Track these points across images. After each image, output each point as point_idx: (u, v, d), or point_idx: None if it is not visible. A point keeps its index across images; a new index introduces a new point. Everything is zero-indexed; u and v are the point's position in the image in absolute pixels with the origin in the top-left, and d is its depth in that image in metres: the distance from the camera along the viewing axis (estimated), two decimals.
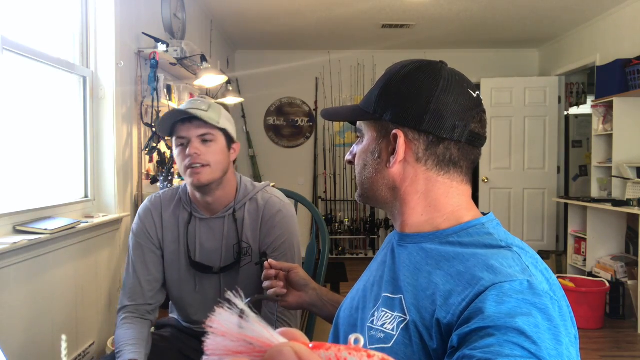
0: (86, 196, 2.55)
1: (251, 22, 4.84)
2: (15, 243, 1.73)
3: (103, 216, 2.47)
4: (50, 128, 2.30)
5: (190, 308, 1.50)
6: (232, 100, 4.58)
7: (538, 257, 0.75)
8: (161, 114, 2.92)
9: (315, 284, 1.12)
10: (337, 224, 5.93)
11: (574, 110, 5.78)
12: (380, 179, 0.83)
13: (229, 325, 0.28)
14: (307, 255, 1.69)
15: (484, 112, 0.82)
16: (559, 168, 5.56)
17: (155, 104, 2.86)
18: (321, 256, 1.63)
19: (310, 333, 1.56)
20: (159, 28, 3.25)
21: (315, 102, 6.05)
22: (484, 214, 0.82)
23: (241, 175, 1.51)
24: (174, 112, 1.35)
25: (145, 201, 1.51)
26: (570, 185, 5.67)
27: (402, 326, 0.73)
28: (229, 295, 0.29)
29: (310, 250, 1.70)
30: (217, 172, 1.37)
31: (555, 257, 4.97)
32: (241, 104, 5.63)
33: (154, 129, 2.86)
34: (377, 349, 0.51)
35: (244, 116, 6.01)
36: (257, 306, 1.41)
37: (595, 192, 4.44)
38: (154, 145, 2.84)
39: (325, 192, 6.02)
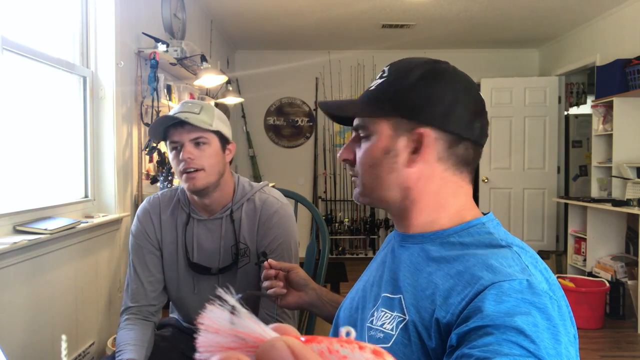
0: (86, 196, 2.55)
1: (251, 22, 4.84)
2: (15, 243, 1.73)
3: (103, 216, 2.47)
4: (51, 128, 2.30)
5: (190, 309, 1.50)
6: (232, 100, 4.58)
7: (538, 256, 0.75)
8: (161, 114, 2.92)
9: (315, 284, 1.12)
10: (337, 224, 5.93)
11: (574, 110, 5.78)
12: (394, 179, 0.80)
13: (221, 321, 0.28)
14: (307, 255, 1.69)
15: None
16: (559, 168, 5.56)
17: (155, 104, 2.86)
18: (321, 256, 1.63)
19: (310, 333, 1.56)
20: (159, 28, 3.25)
21: (315, 102, 6.05)
22: (484, 214, 0.82)
23: (239, 175, 1.51)
24: (165, 118, 1.33)
25: (144, 202, 1.51)
26: (570, 185, 5.67)
27: (401, 326, 0.73)
28: (220, 292, 0.29)
29: (310, 250, 1.70)
30: (212, 176, 1.36)
31: (555, 257, 4.97)
32: (241, 104, 5.63)
33: None
34: None
35: (244, 116, 6.01)
36: (253, 306, 1.41)
37: (595, 192, 4.44)
38: (154, 145, 2.84)
39: (325, 192, 6.02)
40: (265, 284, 1.10)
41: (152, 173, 3.01)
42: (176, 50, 3.04)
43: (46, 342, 2.03)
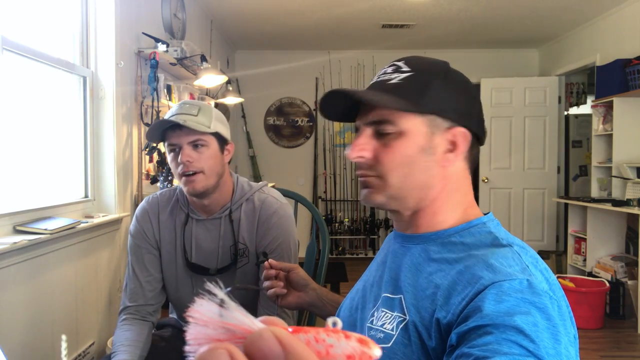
0: (86, 196, 2.55)
1: (251, 22, 4.84)
2: (15, 243, 1.73)
3: (103, 216, 2.47)
4: (51, 128, 2.30)
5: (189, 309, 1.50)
6: (232, 100, 4.58)
7: (538, 256, 0.75)
8: (161, 114, 2.92)
9: (315, 284, 1.12)
10: (337, 224, 5.94)
11: (574, 110, 5.78)
12: (427, 178, 0.79)
13: (210, 314, 0.28)
14: (307, 255, 1.69)
15: None
16: (559, 168, 5.56)
17: (155, 104, 2.86)
18: (321, 256, 1.63)
19: None
20: (159, 28, 3.25)
21: (315, 102, 6.05)
22: (484, 214, 0.83)
23: (238, 175, 1.51)
24: (162, 122, 1.33)
25: (142, 202, 1.51)
26: (570, 185, 5.67)
27: (401, 326, 0.73)
28: (209, 285, 0.29)
29: (310, 250, 1.70)
30: (211, 178, 1.36)
31: (555, 257, 4.97)
32: (241, 104, 5.63)
33: None
34: None
35: (244, 116, 6.01)
36: (253, 307, 1.41)
37: (595, 192, 4.44)
38: (154, 145, 2.84)
39: (325, 192, 6.02)
40: (266, 284, 1.10)
41: (152, 173, 3.01)
42: (176, 50, 3.04)
43: (46, 342, 2.03)
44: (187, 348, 0.28)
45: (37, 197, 2.14)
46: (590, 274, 4.17)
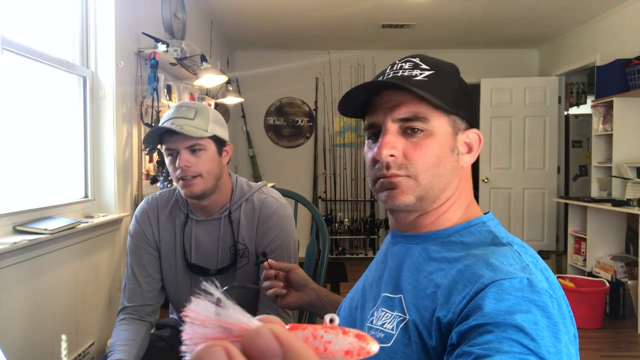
0: (86, 196, 2.55)
1: (251, 22, 4.84)
2: (15, 243, 1.73)
3: (103, 216, 2.47)
4: (51, 128, 2.30)
5: None
6: (232, 100, 4.58)
7: (537, 255, 0.75)
8: (161, 114, 2.92)
9: (314, 284, 1.12)
10: (337, 224, 5.93)
11: (574, 110, 5.78)
12: (451, 177, 0.79)
13: (206, 313, 0.28)
14: (307, 255, 1.69)
15: None
16: (559, 168, 5.56)
17: (155, 104, 2.86)
18: (321, 256, 1.63)
19: None
20: (159, 28, 3.25)
21: (315, 102, 6.05)
22: (484, 214, 0.83)
23: (237, 175, 1.51)
24: (158, 128, 1.33)
25: (142, 203, 1.51)
26: (570, 185, 5.67)
27: (401, 325, 0.73)
28: (205, 285, 0.29)
29: (310, 250, 1.70)
30: (209, 181, 1.36)
31: (555, 257, 4.97)
32: (241, 104, 5.63)
33: None
34: None
35: (244, 116, 6.01)
36: (253, 307, 1.41)
37: (595, 192, 4.44)
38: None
39: (325, 192, 6.02)
40: (265, 284, 1.10)
41: (152, 173, 3.01)
42: (176, 50, 3.04)
43: (46, 342, 2.03)
44: (183, 348, 0.28)
45: (37, 197, 2.14)
46: (590, 274, 4.17)
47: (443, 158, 0.77)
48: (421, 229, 0.81)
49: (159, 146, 2.88)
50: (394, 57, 0.88)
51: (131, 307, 1.43)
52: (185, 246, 1.44)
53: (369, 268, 0.95)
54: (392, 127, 0.77)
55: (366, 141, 0.84)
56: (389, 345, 0.73)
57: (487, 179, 5.59)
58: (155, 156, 2.93)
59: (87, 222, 2.26)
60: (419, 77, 0.76)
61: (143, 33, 2.87)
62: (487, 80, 5.52)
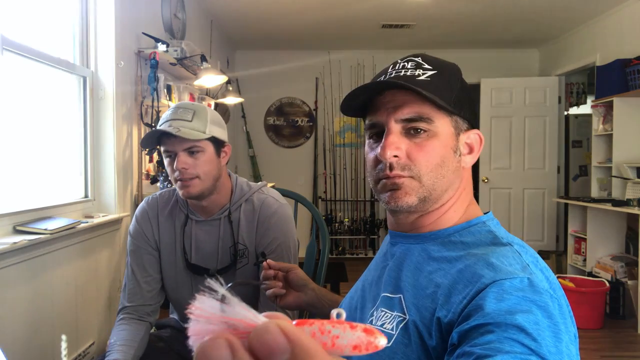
0: (86, 196, 2.55)
1: (251, 22, 4.84)
2: (15, 243, 1.73)
3: (103, 216, 2.47)
4: (50, 128, 2.30)
5: None
6: (232, 100, 4.58)
7: (537, 255, 0.75)
8: (161, 114, 2.92)
9: (314, 284, 1.12)
10: (337, 224, 5.93)
11: (574, 110, 5.78)
12: (453, 178, 0.79)
13: (211, 309, 0.28)
14: (307, 255, 1.69)
15: None
16: (559, 168, 5.56)
17: (155, 104, 2.86)
18: (321, 256, 1.63)
19: None
20: (159, 28, 3.25)
21: (315, 102, 6.05)
22: (484, 213, 0.83)
23: (237, 176, 1.50)
24: (155, 131, 1.33)
25: (142, 203, 1.51)
26: (570, 185, 5.67)
27: (401, 326, 0.73)
28: (209, 282, 0.29)
29: (310, 250, 1.70)
30: (207, 182, 1.36)
31: (555, 257, 4.97)
32: (241, 104, 5.63)
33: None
34: None
35: (244, 116, 6.01)
36: (253, 306, 1.40)
37: (595, 192, 4.44)
38: None
39: (325, 192, 6.02)
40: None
41: (152, 173, 3.01)
42: (176, 50, 3.04)
43: (46, 342, 2.03)
44: (189, 342, 0.28)
45: (37, 197, 2.14)
46: (590, 274, 4.17)
47: (446, 159, 0.77)
48: (421, 229, 0.81)
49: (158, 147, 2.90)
50: (394, 57, 0.87)
51: (131, 307, 1.43)
52: (185, 246, 1.44)
53: (368, 268, 0.95)
54: (395, 128, 0.76)
55: (367, 141, 0.83)
56: (388, 345, 0.73)
57: (487, 179, 5.59)
58: (155, 156, 2.93)
59: (87, 222, 2.26)
60: (422, 77, 0.76)
61: (143, 33, 2.87)
62: (487, 80, 5.51)
